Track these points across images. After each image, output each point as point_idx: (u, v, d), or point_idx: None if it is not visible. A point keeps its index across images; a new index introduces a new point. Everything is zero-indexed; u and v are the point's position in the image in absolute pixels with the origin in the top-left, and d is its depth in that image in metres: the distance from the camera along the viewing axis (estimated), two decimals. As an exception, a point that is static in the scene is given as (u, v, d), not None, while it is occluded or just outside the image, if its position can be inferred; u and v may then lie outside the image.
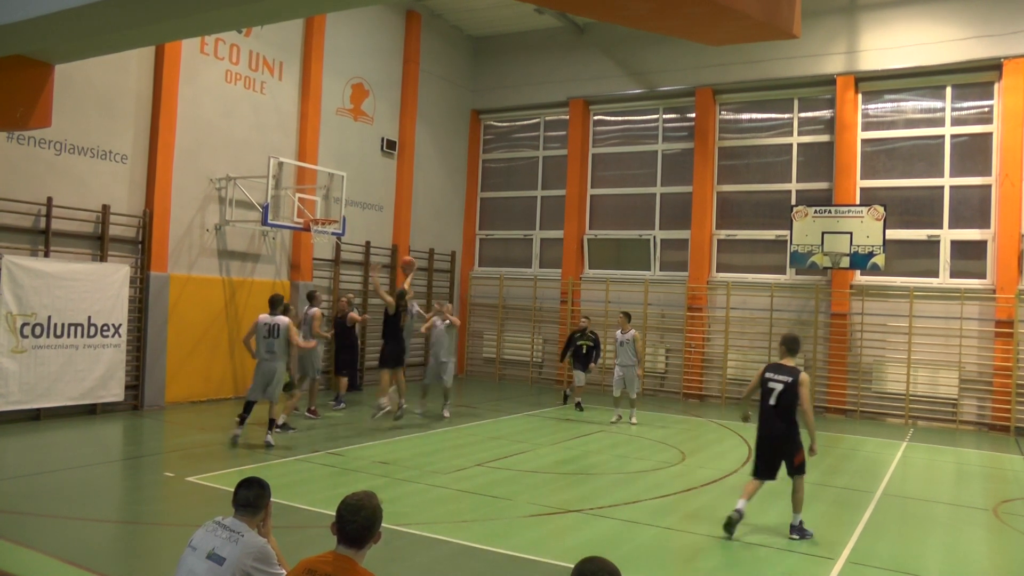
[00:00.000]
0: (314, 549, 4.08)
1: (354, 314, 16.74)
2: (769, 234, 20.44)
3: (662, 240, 21.87)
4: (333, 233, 17.76)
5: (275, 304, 12.56)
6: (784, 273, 20.25)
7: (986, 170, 18.67)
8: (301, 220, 17.39)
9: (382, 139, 21.16)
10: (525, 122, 24.29)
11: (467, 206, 24.57)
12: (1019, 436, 17.17)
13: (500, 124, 24.66)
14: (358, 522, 3.80)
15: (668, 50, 20.98)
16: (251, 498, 4.41)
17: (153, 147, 15.48)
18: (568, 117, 23.03)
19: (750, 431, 13.01)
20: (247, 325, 14.91)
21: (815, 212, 18.89)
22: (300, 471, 10.90)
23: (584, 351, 17.79)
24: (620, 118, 22.86)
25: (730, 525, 8.49)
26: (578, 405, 17.89)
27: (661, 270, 21.83)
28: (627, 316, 16.63)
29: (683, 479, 11.46)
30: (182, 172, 15.99)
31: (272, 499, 4.55)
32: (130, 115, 15.21)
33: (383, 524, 3.92)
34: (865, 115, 19.84)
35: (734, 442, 14.30)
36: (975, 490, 12.28)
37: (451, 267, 23.87)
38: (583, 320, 18.46)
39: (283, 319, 12.35)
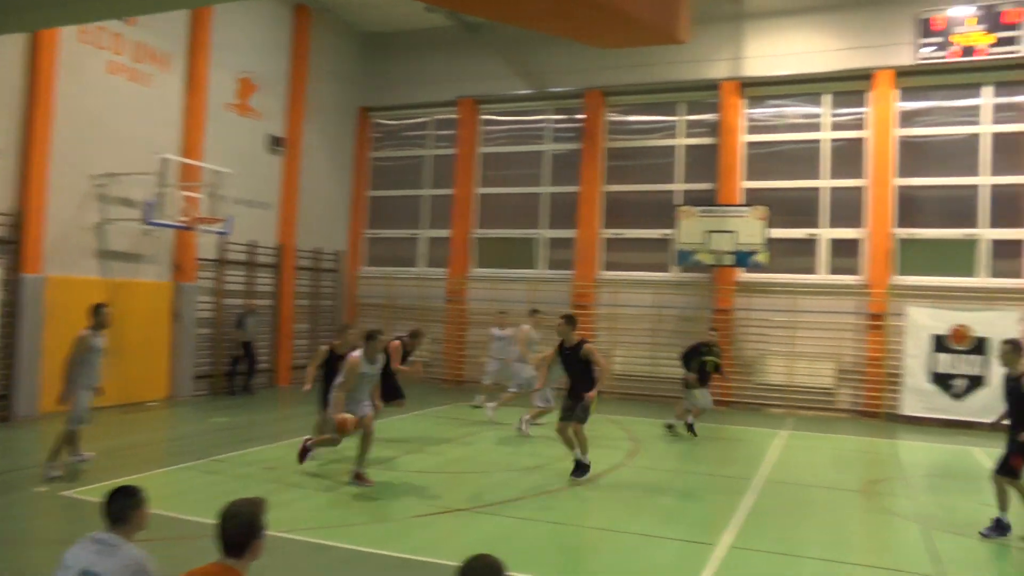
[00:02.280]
0: (201, 560, 3.97)
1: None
2: (655, 233, 20.84)
3: (549, 239, 22.08)
4: (218, 232, 17.33)
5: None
6: (669, 271, 20.74)
7: (860, 173, 19.62)
8: (185, 219, 16.81)
9: (270, 136, 20.72)
10: (415, 120, 24.13)
11: (355, 205, 24.22)
12: (889, 421, 18.08)
13: (389, 122, 24.45)
14: (232, 529, 3.70)
15: (559, 52, 21.17)
16: (122, 509, 4.11)
17: (27, 141, 14.54)
18: (458, 116, 23.03)
19: (636, 426, 13.35)
20: (130, 327, 14.35)
21: (700, 212, 19.40)
22: (182, 480, 10.40)
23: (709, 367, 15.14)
24: (509, 118, 22.97)
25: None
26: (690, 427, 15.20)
27: (548, 269, 22.04)
28: (504, 314, 17.56)
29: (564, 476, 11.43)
30: (60, 168, 15.03)
31: (149, 509, 4.25)
32: (1, 106, 14.36)
33: (274, 532, 3.84)
34: (749, 119, 20.58)
35: (618, 436, 14.48)
36: (849, 473, 12.83)
37: (338, 267, 23.54)
38: (711, 333, 15.93)
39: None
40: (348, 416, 9.87)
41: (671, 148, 21.22)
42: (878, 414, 18.44)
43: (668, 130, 21.31)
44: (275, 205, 21.01)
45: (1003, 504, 8.99)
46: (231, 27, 19.13)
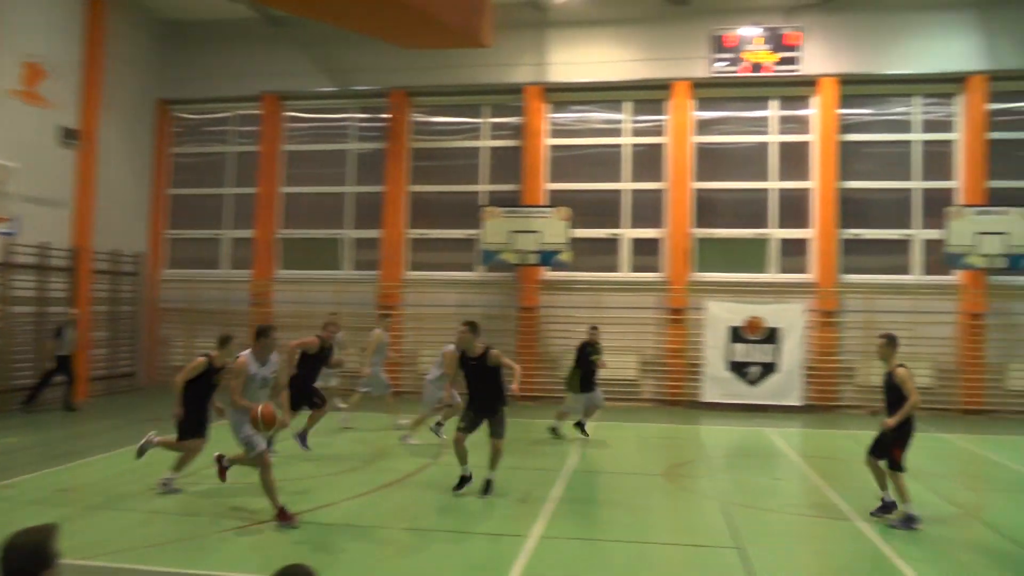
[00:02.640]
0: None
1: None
2: (461, 233, 20.88)
3: (355, 240, 21.68)
4: (3, 233, 15.95)
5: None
6: (474, 270, 20.82)
7: (660, 176, 20.48)
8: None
9: (62, 127, 19.04)
10: (216, 115, 23.11)
11: (155, 204, 22.70)
12: (691, 408, 18.98)
13: (190, 116, 23.30)
14: (16, 563, 3.18)
15: (364, 50, 20.86)
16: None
17: None
18: (261, 112, 22.26)
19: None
20: None
21: (504, 212, 19.57)
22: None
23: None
24: (314, 115, 22.42)
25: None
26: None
27: (354, 269, 21.61)
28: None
29: (380, 476, 11.19)
30: None
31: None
32: None
33: (71, 560, 3.33)
34: (552, 123, 21.03)
35: (425, 436, 14.17)
36: (653, 458, 13.20)
37: (138, 270, 22.04)
38: (593, 332, 15.33)
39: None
40: (260, 406, 8.71)
41: (476, 150, 21.35)
42: (680, 402, 19.31)
43: (473, 132, 21.44)
44: (69, 203, 19.29)
45: (882, 484, 9.37)
46: (18, 7, 17.61)
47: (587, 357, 14.66)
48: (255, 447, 8.80)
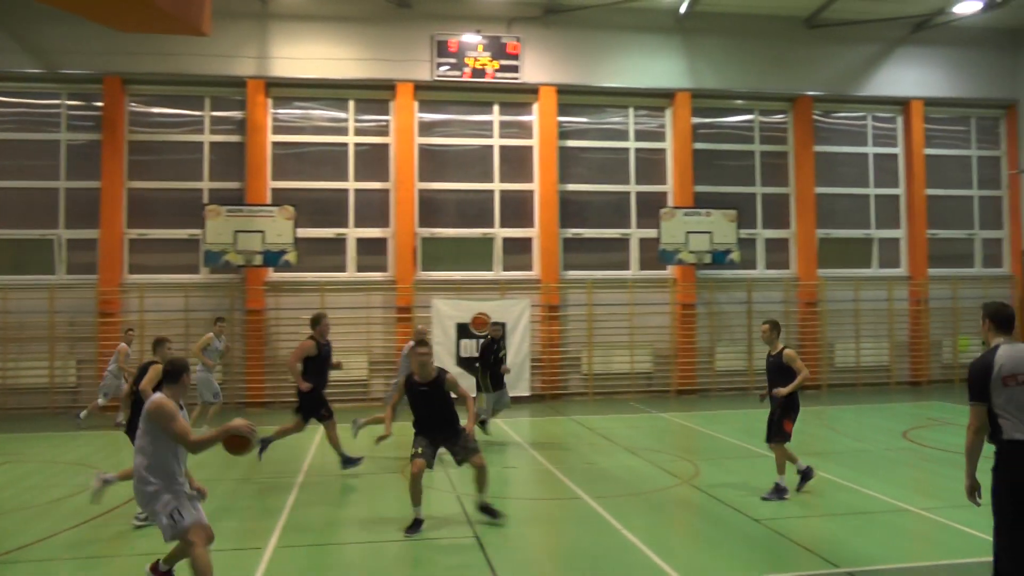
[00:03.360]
0: None
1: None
2: (183, 233, 19.95)
3: (68, 240, 20.00)
4: None
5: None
6: (199, 272, 20.00)
7: (386, 176, 20.62)
8: None
9: None
10: None
11: None
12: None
13: None
14: None
15: (73, 30, 19.01)
16: None
17: None
18: (-47, 96, 20.14)
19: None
20: None
21: (227, 211, 19.01)
22: None
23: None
24: (18, 100, 20.41)
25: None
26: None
27: (68, 273, 20.04)
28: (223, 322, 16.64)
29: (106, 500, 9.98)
30: None
31: None
32: None
33: None
34: (276, 119, 20.55)
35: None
36: (387, 457, 12.65)
37: None
38: (494, 327, 15.61)
39: None
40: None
41: (198, 144, 20.42)
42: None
43: (194, 125, 20.49)
44: None
45: (791, 459, 10.08)
46: None
47: (495, 354, 14.83)
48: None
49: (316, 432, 15.16)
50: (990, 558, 5.67)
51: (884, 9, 21.65)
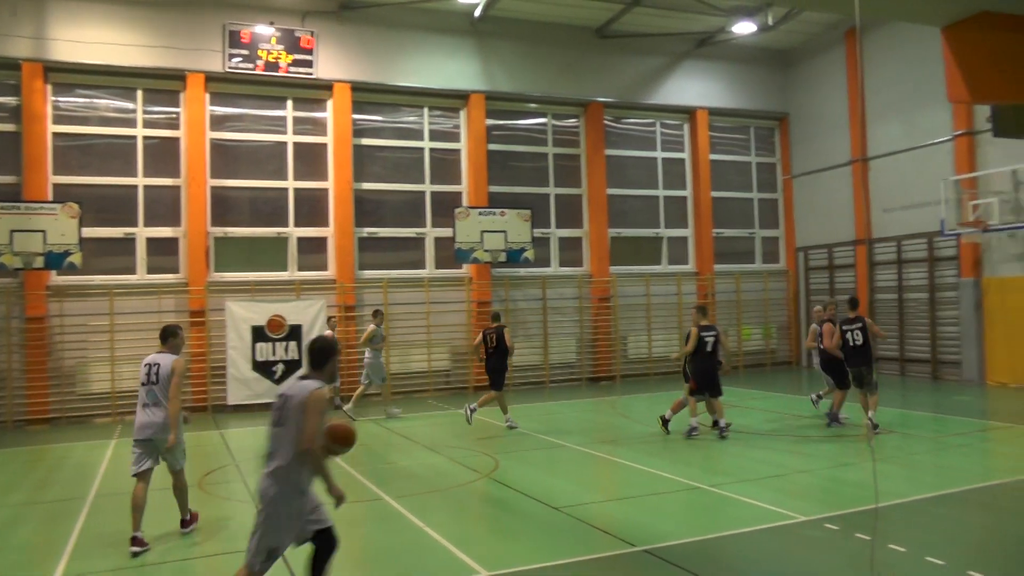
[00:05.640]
0: None
1: None
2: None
3: None
4: None
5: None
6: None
7: (177, 172, 19.88)
8: None
9: None
10: None
11: None
12: (217, 412, 18.89)
13: None
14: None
15: None
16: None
17: None
18: None
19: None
20: None
21: (4, 208, 17.80)
22: None
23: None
24: None
25: None
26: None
27: None
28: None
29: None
30: None
31: None
32: None
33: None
34: (56, 107, 19.23)
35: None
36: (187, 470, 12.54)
37: None
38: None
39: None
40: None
41: (-32, 134, 18.99)
42: (205, 407, 18.91)
43: (-44, 111, 19.00)
44: None
45: (712, 411, 13.92)
46: None
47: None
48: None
49: (107, 448, 14.80)
50: (774, 524, 7.06)
51: (670, 24, 22.89)
